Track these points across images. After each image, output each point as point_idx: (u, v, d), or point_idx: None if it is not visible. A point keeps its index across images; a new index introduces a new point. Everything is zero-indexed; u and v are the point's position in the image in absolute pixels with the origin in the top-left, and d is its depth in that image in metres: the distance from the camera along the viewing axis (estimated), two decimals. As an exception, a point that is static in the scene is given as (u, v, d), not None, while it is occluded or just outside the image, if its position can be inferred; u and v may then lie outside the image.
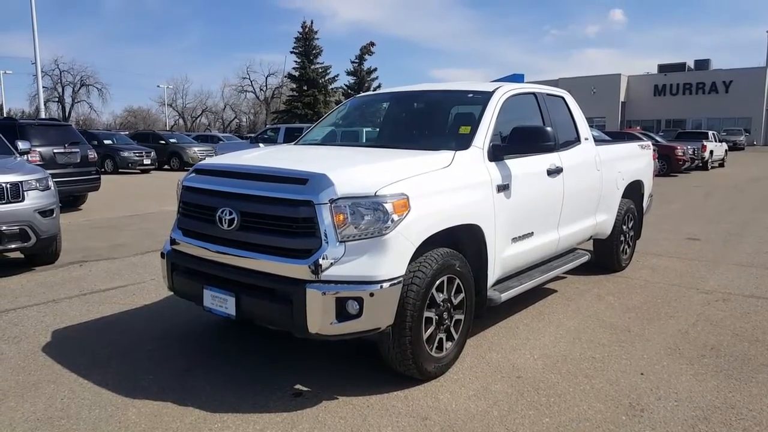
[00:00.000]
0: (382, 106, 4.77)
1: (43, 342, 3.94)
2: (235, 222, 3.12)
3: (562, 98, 4.95)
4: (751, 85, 46.28)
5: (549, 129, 3.77)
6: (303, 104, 45.54)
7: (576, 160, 4.63)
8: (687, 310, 4.70)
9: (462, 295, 3.41)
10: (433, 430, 2.77)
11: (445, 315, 3.30)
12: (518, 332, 4.13)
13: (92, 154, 11.53)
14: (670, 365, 3.56)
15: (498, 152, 3.73)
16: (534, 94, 4.48)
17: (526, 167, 3.94)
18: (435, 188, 3.19)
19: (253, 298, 3.09)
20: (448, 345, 3.37)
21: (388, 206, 2.89)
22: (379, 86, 52.19)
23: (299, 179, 2.99)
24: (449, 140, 3.84)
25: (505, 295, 3.82)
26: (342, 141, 4.33)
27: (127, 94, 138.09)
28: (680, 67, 51.69)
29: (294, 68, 47.42)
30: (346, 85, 52.18)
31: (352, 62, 51.44)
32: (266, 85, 70.29)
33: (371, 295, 2.84)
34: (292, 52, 47.14)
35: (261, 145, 18.18)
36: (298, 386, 3.24)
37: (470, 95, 4.27)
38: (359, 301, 2.84)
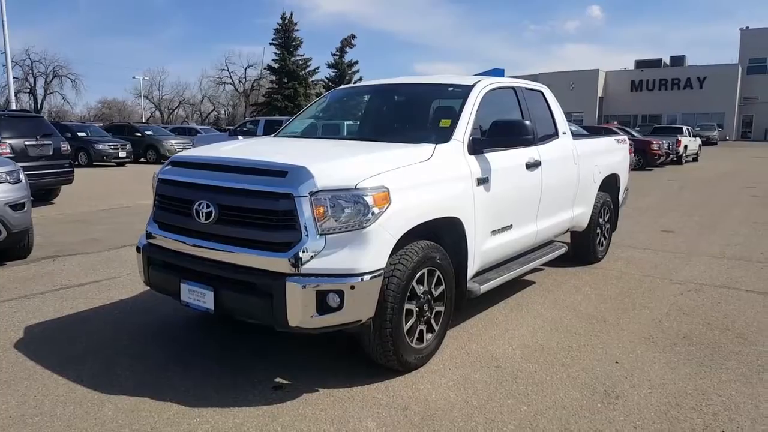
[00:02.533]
0: (363, 99, 4.76)
1: (15, 338, 3.86)
2: (213, 215, 3.09)
3: (541, 92, 4.99)
4: (724, 82, 47.23)
5: (528, 123, 3.81)
6: (283, 97, 45.22)
7: (554, 154, 4.68)
8: (660, 300, 4.80)
9: (442, 287, 3.43)
10: (414, 420, 2.79)
11: (426, 307, 3.32)
12: (497, 323, 4.18)
13: (65, 147, 11.28)
14: (643, 354, 3.64)
15: (478, 146, 3.75)
16: (513, 88, 4.51)
17: (505, 161, 3.97)
18: (415, 181, 3.19)
19: (231, 292, 3.07)
20: (428, 336, 3.39)
21: (369, 199, 2.89)
22: (360, 79, 52.04)
23: (278, 172, 2.97)
24: (429, 133, 3.84)
25: (484, 287, 3.85)
26: (322, 134, 4.31)
27: (102, 85, 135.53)
28: (656, 63, 52.49)
29: (274, 60, 47.04)
30: (326, 78, 51.96)
31: (333, 55, 51.23)
32: (245, 77, 69.52)
33: (352, 287, 2.85)
34: (271, 44, 46.77)
35: (240, 137, 18.06)
36: (278, 379, 3.23)
37: (450, 89, 4.28)
38: (340, 293, 2.84)
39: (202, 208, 3.12)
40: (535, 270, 5.24)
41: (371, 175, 2.99)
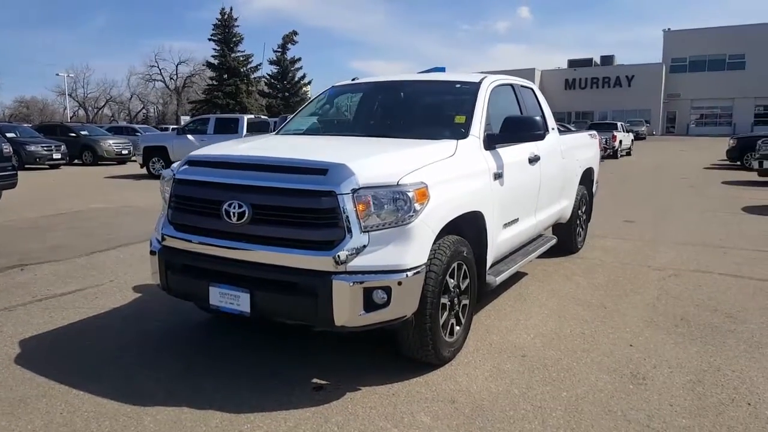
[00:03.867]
0: (366, 96, 4.74)
1: (13, 353, 3.60)
2: (246, 215, 3.00)
3: (531, 89, 5.16)
4: (650, 80, 50.11)
5: (539, 119, 3.93)
6: (224, 94, 44.04)
7: (548, 149, 4.85)
8: (647, 286, 5.08)
9: (467, 281, 3.49)
10: (465, 411, 2.84)
11: (456, 300, 3.37)
12: (507, 314, 4.29)
13: (7, 148, 10.52)
14: (651, 336, 3.85)
15: (491, 141, 3.84)
16: (511, 85, 4.64)
17: (514, 156, 4.09)
18: (447, 176, 3.24)
19: (270, 293, 3.00)
20: (457, 329, 3.44)
21: (411, 195, 2.91)
22: (303, 76, 51.53)
23: (318, 169, 2.93)
24: (445, 130, 3.89)
25: (498, 279, 3.95)
26: (332, 131, 4.26)
27: (18, 83, 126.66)
28: (588, 62, 54.94)
29: (213, 56, 45.70)
30: (268, 75, 51.11)
31: (275, 51, 50.46)
32: (177, 74, 67.09)
33: (399, 283, 2.86)
34: (210, 40, 45.39)
35: (189, 137, 17.44)
36: (315, 380, 3.19)
37: (458, 85, 4.35)
38: (387, 290, 2.85)
39: (234, 208, 3.03)
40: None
41: (410, 171, 3.01)
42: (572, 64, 55.53)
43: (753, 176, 15.42)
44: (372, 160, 3.06)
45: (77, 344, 3.74)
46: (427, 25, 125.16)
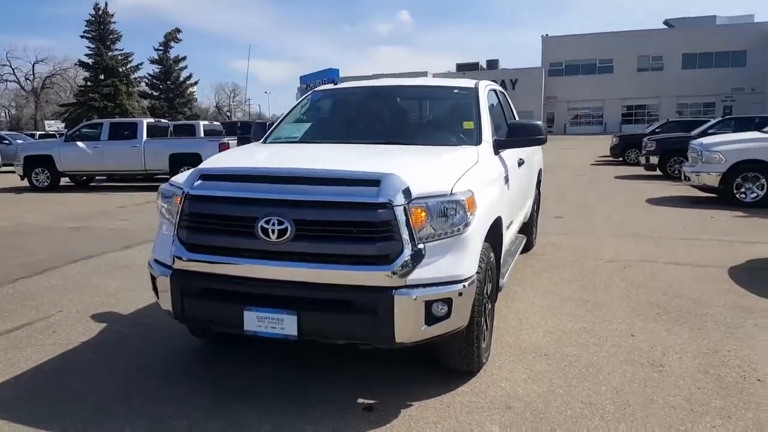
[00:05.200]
0: (359, 102, 4.60)
1: (-13, 406, 3.06)
2: (288, 232, 2.79)
3: (504, 93, 5.33)
4: (532, 83, 53.86)
5: (541, 124, 4.07)
6: (101, 95, 40.59)
7: (525, 152, 5.05)
8: (610, 278, 5.46)
9: (490, 285, 3.53)
10: (526, 416, 2.87)
11: (487, 305, 3.40)
12: (506, 315, 4.39)
13: None
14: (644, 325, 4.15)
15: (499, 146, 3.92)
16: (495, 90, 4.76)
17: (511, 160, 4.21)
18: (482, 183, 3.25)
19: (320, 313, 2.82)
20: (486, 335, 3.47)
21: (465, 204, 2.88)
22: (189, 76, 48.98)
23: (370, 180, 2.80)
24: (458, 136, 3.92)
25: (503, 281, 4.04)
26: (333, 138, 4.06)
27: None
28: (474, 66, 57.86)
29: (87, 55, 41.92)
30: (150, 75, 48.02)
31: (157, 50, 47.50)
32: (33, 74, 60.69)
33: (460, 294, 2.82)
34: (83, 37, 41.60)
35: (80, 144, 15.85)
36: (361, 400, 3.06)
37: (455, 90, 4.39)
38: (448, 302, 2.79)
39: (272, 225, 2.80)
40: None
41: (457, 180, 2.98)
42: (460, 68, 58.17)
43: (639, 170, 17.18)
44: (419, 170, 2.99)
45: (62, 388, 3.26)
46: (310, 26, 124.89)
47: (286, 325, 2.84)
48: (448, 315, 2.81)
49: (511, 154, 4.24)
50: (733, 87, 47.19)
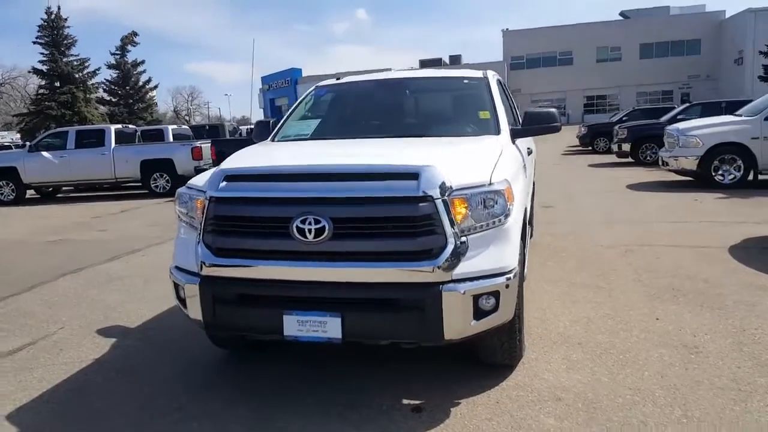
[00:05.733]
0: (368, 95, 4.48)
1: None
2: (326, 231, 2.67)
3: (503, 83, 5.29)
4: (494, 77, 54.30)
5: (555, 111, 4.03)
6: (58, 104, 39.13)
7: (529, 141, 5.03)
8: (615, 263, 5.50)
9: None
10: (578, 407, 2.83)
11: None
12: (526, 306, 4.34)
13: None
14: (665, 308, 4.17)
15: (514, 135, 3.87)
16: (498, 79, 4.72)
17: (524, 148, 4.17)
18: (512, 173, 3.19)
19: (365, 313, 2.72)
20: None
21: (504, 193, 2.82)
22: (149, 80, 47.76)
23: (408, 174, 2.70)
24: (470, 126, 3.86)
25: (526, 271, 4.00)
26: (348, 134, 3.93)
27: None
28: (437, 62, 58.07)
29: (41, 61, 40.34)
30: (107, 80, 46.64)
31: (113, 54, 46.15)
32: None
33: (507, 286, 2.75)
34: (35, 43, 40.02)
35: (45, 154, 15.20)
36: (405, 401, 2.96)
37: (465, 80, 4.32)
38: (495, 295, 2.72)
39: (309, 224, 2.68)
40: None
41: (493, 170, 2.91)
42: (423, 64, 58.23)
43: (610, 158, 17.52)
44: (453, 161, 2.90)
45: (88, 408, 3.07)
46: (263, 26, 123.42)
47: (329, 327, 2.73)
48: (495, 308, 2.74)
49: (523, 144, 4.20)
50: (690, 74, 48.75)
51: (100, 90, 46.76)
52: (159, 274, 5.96)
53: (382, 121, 4.13)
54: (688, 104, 17.51)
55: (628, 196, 10.13)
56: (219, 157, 14.43)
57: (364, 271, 2.69)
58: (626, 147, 16.33)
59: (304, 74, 58.94)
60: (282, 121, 4.32)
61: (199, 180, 3.24)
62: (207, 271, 2.90)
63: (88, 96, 42.36)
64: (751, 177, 10.21)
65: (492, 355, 3.17)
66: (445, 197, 2.66)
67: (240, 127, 25.67)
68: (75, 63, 41.59)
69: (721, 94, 40.38)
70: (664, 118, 16.71)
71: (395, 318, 2.70)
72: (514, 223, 2.90)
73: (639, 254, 5.79)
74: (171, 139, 17.83)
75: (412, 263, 2.65)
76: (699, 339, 3.57)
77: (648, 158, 16.14)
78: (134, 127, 18.79)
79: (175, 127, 19.39)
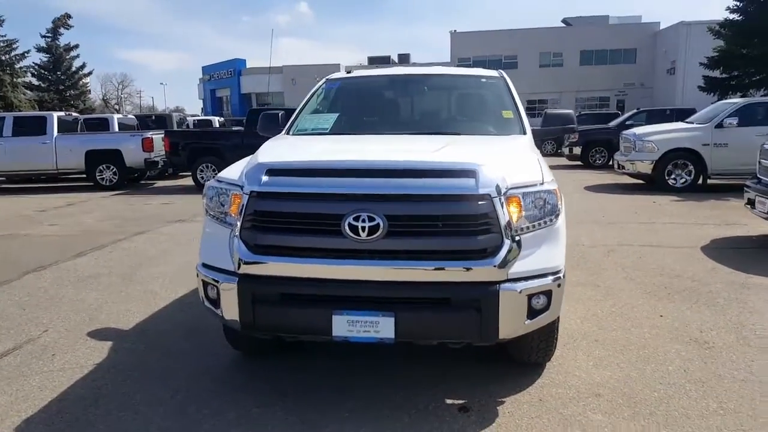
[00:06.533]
0: (387, 91, 4.39)
1: (20, 447, 2.60)
2: (381, 229, 2.59)
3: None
4: (441, 77, 54.95)
5: (572, 111, 4.10)
6: (-19, 88, 36.31)
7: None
8: (603, 262, 5.69)
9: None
10: (619, 402, 2.89)
11: None
12: (533, 303, 4.42)
13: None
14: (664, 305, 4.35)
15: (535, 135, 3.91)
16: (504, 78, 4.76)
17: (536, 148, 4.23)
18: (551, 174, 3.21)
19: (419, 313, 2.66)
20: (551, 325, 3.45)
21: (555, 193, 2.84)
22: (83, 66, 45.24)
23: (466, 171, 2.67)
24: (494, 125, 3.86)
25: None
26: (370, 129, 3.82)
27: None
28: (386, 60, 58.13)
29: (-39, 42, 37.27)
30: (37, 64, 43.77)
31: (44, 36, 43.34)
32: None
33: (558, 285, 2.77)
34: (-46, 22, 36.91)
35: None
36: (449, 401, 2.93)
37: (483, 79, 4.31)
38: (547, 294, 2.74)
39: (362, 222, 2.59)
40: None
41: (542, 170, 2.93)
42: (372, 61, 58.24)
43: (559, 161, 18.11)
44: (502, 160, 2.89)
45: (113, 420, 2.83)
46: (204, 14, 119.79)
47: (382, 327, 2.65)
48: (547, 307, 2.76)
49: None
50: (626, 82, 51.18)
51: (29, 74, 43.86)
52: (137, 272, 5.65)
53: (405, 118, 4.07)
54: (636, 110, 18.38)
55: (589, 197, 10.52)
56: (173, 148, 13.86)
57: (420, 270, 2.63)
58: (577, 150, 16.96)
59: (248, 65, 57.54)
60: (295, 115, 4.17)
61: (231, 173, 3.08)
62: (246, 269, 2.76)
63: (15, 80, 39.58)
64: (700, 181, 10.85)
65: (527, 354, 3.19)
66: (501, 196, 2.65)
67: (188, 118, 24.67)
68: (1, 44, 38.73)
69: (654, 102, 42.68)
70: (612, 124, 17.50)
71: (450, 317, 2.66)
72: (563, 223, 2.93)
73: (622, 254, 6.01)
74: (117, 128, 16.97)
75: (469, 262, 2.62)
76: (706, 335, 3.74)
77: (597, 161, 16.86)
78: (77, 114, 17.71)
79: (120, 116, 18.43)
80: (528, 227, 2.75)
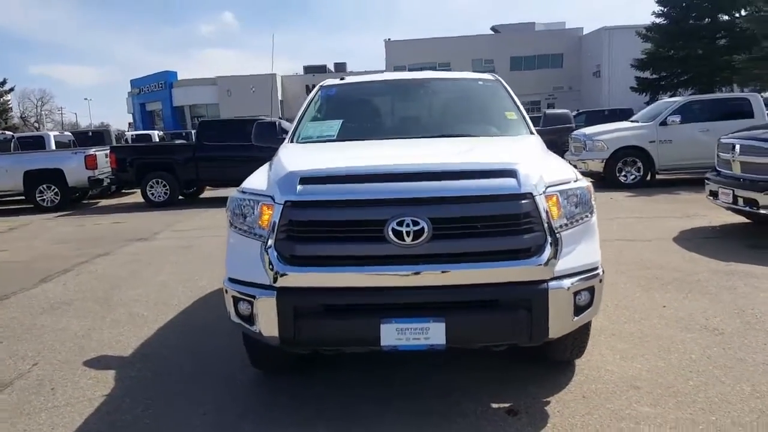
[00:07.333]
0: (386, 96, 4.30)
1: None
2: (425, 232, 2.53)
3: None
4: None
5: (569, 111, 4.19)
6: None
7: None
8: (588, 258, 5.83)
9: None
10: (657, 392, 2.95)
11: None
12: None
13: None
14: (661, 296, 4.51)
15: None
16: (497, 81, 4.82)
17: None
18: (573, 172, 3.26)
19: (469, 316, 2.61)
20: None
21: (588, 190, 2.88)
22: (4, 81, 42.47)
23: (506, 171, 2.66)
24: (500, 126, 3.90)
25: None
26: (374, 134, 3.70)
27: None
28: (322, 68, 57.92)
29: None
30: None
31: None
32: None
33: (600, 281, 2.80)
34: None
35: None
36: (495, 405, 2.89)
37: (480, 82, 4.32)
38: (591, 290, 2.76)
39: (406, 226, 2.52)
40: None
41: (568, 167, 2.96)
42: (308, 70, 57.90)
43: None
44: (533, 159, 2.91)
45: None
46: (123, 27, 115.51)
47: (432, 333, 2.58)
48: (590, 304, 2.78)
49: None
50: (554, 86, 53.43)
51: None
52: (114, 296, 5.31)
53: (411, 122, 4.04)
54: (576, 112, 19.18)
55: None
56: (120, 164, 13.18)
57: (468, 272, 2.59)
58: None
59: (179, 77, 55.85)
60: (297, 122, 4.03)
61: (255, 183, 2.94)
62: (284, 282, 2.62)
63: None
64: (649, 177, 11.42)
65: (562, 352, 3.20)
66: (543, 194, 2.66)
67: (126, 133, 23.61)
68: None
69: (582, 104, 44.69)
70: (557, 125, 18.13)
71: (500, 319, 2.63)
72: (595, 219, 2.96)
73: (603, 249, 6.16)
74: (53, 146, 15.97)
75: (516, 261, 2.60)
76: (712, 322, 3.90)
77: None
78: (10, 133, 16.55)
79: (57, 133, 17.38)
80: (566, 224, 2.77)
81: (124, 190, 15.28)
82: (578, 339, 3.12)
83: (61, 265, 6.83)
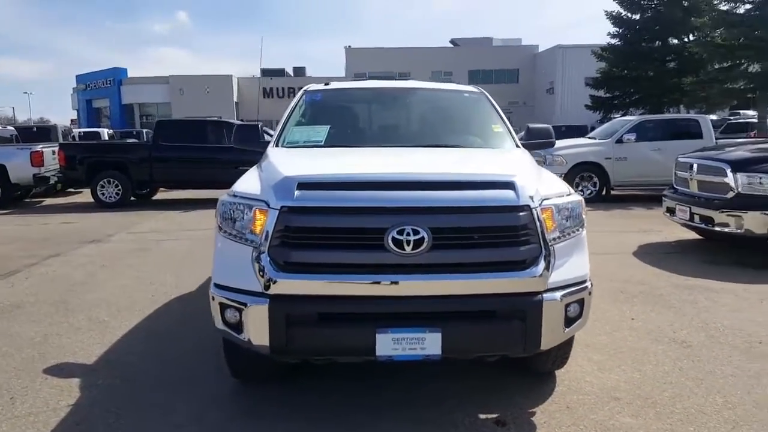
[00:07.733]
0: (368, 103, 4.27)
1: None
2: (425, 242, 2.52)
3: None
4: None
5: (551, 126, 4.27)
6: None
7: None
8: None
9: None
10: (637, 404, 3.02)
11: None
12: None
13: None
14: (629, 308, 4.65)
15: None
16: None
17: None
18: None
19: (465, 327, 2.60)
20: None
21: (581, 203, 2.93)
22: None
23: (504, 183, 2.68)
24: (486, 138, 3.94)
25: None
26: (361, 142, 3.65)
27: None
28: (280, 72, 57.35)
29: None
30: None
31: None
32: None
33: (590, 293, 2.85)
34: None
35: None
36: (483, 415, 2.89)
37: (466, 94, 4.35)
38: (581, 302, 2.81)
39: (406, 235, 2.50)
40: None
41: (563, 183, 3.01)
42: (266, 73, 57.10)
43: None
44: (529, 172, 2.94)
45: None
46: (69, 21, 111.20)
47: (428, 344, 2.56)
48: (579, 316, 2.83)
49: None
50: (510, 101, 54.67)
51: None
52: (70, 300, 5.03)
53: (400, 131, 4.05)
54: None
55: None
56: (69, 162, 12.58)
57: (466, 283, 2.59)
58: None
59: (129, 74, 54.02)
60: (281, 126, 3.93)
61: (247, 187, 2.85)
62: (277, 289, 2.54)
63: None
64: (604, 192, 11.83)
65: (545, 363, 3.23)
66: (539, 206, 2.69)
67: (74, 130, 22.58)
68: None
69: (536, 119, 45.89)
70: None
71: (495, 330, 2.64)
72: (585, 232, 3.02)
73: (567, 261, 6.33)
74: (-7, 141, 15.09)
75: (513, 273, 2.62)
76: (680, 335, 4.04)
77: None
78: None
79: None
80: (559, 237, 2.81)
81: (70, 189, 14.60)
82: (562, 350, 3.16)
83: (7, 265, 6.44)
